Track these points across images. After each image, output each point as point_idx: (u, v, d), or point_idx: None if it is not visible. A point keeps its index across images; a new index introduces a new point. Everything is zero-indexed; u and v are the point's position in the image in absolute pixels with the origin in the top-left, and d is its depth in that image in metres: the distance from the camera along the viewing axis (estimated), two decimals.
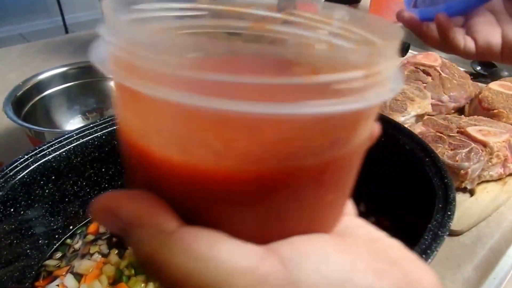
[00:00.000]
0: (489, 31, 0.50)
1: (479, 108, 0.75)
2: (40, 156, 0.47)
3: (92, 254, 0.51)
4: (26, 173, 0.45)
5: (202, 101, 0.13)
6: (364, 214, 0.58)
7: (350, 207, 0.22)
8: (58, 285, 0.46)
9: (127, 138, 0.17)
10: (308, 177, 0.16)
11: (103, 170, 0.55)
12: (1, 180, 0.43)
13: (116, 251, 0.51)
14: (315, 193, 0.17)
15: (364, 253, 0.17)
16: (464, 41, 0.50)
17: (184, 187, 0.16)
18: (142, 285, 0.46)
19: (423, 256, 0.34)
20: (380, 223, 0.56)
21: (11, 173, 0.44)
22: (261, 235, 0.17)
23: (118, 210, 0.16)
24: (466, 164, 0.58)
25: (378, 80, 0.15)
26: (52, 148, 0.49)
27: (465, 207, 0.61)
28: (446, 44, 0.51)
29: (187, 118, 0.15)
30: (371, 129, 0.19)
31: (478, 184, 0.64)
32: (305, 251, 0.16)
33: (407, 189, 0.51)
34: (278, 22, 0.21)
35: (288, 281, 0.15)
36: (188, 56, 0.14)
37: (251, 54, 0.13)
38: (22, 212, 0.45)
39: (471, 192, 0.64)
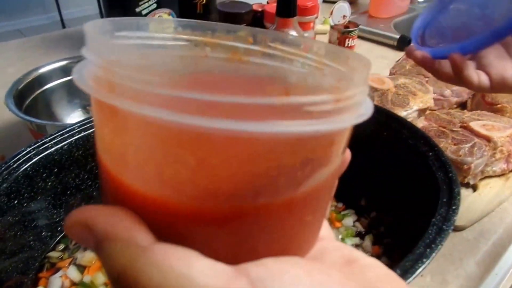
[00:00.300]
0: (502, 65, 0.50)
1: (482, 102, 0.75)
2: (42, 149, 0.47)
3: None
4: (29, 165, 0.45)
5: (174, 116, 0.13)
6: (365, 209, 0.58)
7: (327, 231, 0.22)
8: (61, 276, 0.46)
9: (101, 161, 0.18)
10: (280, 209, 0.17)
11: None
12: (4, 172, 0.43)
13: None
14: (287, 221, 0.18)
15: (336, 274, 0.17)
16: (478, 76, 0.50)
17: (154, 215, 0.16)
18: None
19: (427, 250, 0.34)
20: (381, 219, 0.56)
21: (14, 166, 0.44)
22: (233, 256, 0.17)
23: (93, 223, 0.16)
24: (469, 159, 0.58)
25: (348, 105, 0.16)
26: (54, 141, 0.49)
27: (468, 203, 0.60)
28: (459, 80, 0.51)
29: (162, 133, 0.15)
30: (343, 157, 0.19)
31: (481, 179, 0.64)
32: (276, 273, 0.16)
33: (410, 184, 0.51)
34: (256, 54, 0.22)
35: None
36: (166, 74, 0.14)
37: (227, 73, 0.13)
38: (25, 204, 0.45)
39: (474, 188, 0.64)
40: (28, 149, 0.46)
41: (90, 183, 0.55)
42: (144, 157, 0.16)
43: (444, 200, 0.39)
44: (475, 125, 0.62)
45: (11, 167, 0.44)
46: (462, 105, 0.84)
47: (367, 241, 0.53)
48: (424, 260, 0.33)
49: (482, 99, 0.75)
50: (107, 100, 0.15)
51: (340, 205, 0.59)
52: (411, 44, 0.56)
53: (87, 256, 0.49)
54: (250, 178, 0.15)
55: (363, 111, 0.17)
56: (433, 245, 0.34)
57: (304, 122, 0.14)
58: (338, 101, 0.15)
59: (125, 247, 0.15)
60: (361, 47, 1.15)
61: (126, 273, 0.15)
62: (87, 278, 0.46)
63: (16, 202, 0.43)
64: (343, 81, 0.16)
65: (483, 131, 0.60)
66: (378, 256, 0.52)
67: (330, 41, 1.05)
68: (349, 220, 0.56)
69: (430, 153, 0.47)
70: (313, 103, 0.14)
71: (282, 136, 0.15)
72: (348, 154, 0.20)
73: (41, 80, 0.76)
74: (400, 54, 1.04)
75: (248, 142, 0.15)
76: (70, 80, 0.80)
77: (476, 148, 0.58)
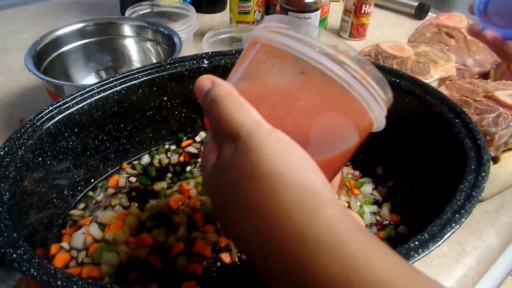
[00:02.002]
0: None
1: (507, 72, 0.73)
2: (64, 108, 0.47)
3: (113, 206, 0.51)
4: (52, 124, 0.45)
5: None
6: (382, 177, 0.57)
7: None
8: (84, 233, 0.47)
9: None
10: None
11: (122, 125, 0.55)
12: (29, 129, 0.43)
13: (136, 204, 0.52)
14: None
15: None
16: None
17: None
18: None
19: (456, 216, 0.34)
20: (398, 188, 0.56)
21: (38, 123, 0.44)
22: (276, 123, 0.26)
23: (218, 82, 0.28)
24: (493, 129, 0.57)
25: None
26: (75, 100, 0.49)
27: (489, 174, 0.59)
28: None
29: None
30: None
31: (503, 151, 0.62)
32: (290, 142, 0.25)
33: (433, 151, 0.50)
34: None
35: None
36: None
37: None
38: (48, 162, 0.45)
39: (495, 160, 0.63)
40: (51, 108, 0.46)
41: (108, 145, 0.55)
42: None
43: (473, 167, 0.38)
44: (500, 94, 0.60)
45: (35, 125, 0.44)
46: (484, 76, 0.81)
47: (385, 209, 0.53)
48: (454, 225, 0.33)
49: (508, 69, 0.73)
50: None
51: (357, 173, 0.58)
52: (471, 23, 0.53)
53: (108, 215, 0.49)
54: None
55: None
56: (462, 211, 0.34)
57: None
58: None
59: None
60: (376, 15, 1.11)
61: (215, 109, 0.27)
62: (108, 236, 0.46)
63: (40, 159, 0.44)
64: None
65: (509, 100, 0.58)
66: (396, 224, 0.52)
67: (346, 8, 1.02)
68: (368, 188, 0.55)
69: (457, 120, 0.46)
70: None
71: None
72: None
73: (58, 42, 0.75)
74: (417, 23, 1.01)
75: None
76: (86, 43, 0.79)
77: (501, 118, 0.57)
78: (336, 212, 0.23)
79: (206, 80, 0.28)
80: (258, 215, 0.23)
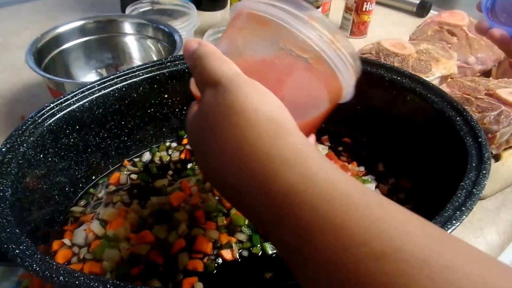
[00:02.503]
0: None
1: (509, 70, 0.73)
2: (65, 105, 0.47)
3: (115, 203, 0.52)
4: (53, 121, 0.45)
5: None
6: (383, 174, 0.57)
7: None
8: (85, 230, 0.47)
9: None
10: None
11: (123, 123, 0.55)
12: (31, 126, 0.43)
13: (138, 201, 0.52)
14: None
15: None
16: None
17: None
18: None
19: (457, 213, 0.34)
20: (400, 185, 0.56)
21: (39, 120, 0.44)
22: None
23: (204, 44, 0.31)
24: (495, 127, 0.57)
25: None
26: (76, 98, 0.49)
27: (490, 172, 0.59)
28: None
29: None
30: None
31: (505, 149, 0.62)
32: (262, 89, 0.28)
33: (433, 149, 0.50)
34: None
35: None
36: None
37: None
38: (50, 159, 0.45)
39: (496, 158, 0.63)
40: (52, 105, 0.46)
41: (109, 142, 0.55)
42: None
43: (474, 164, 0.38)
44: (502, 92, 0.60)
45: (37, 122, 0.44)
46: (486, 74, 0.81)
47: None
48: (454, 222, 0.33)
49: (510, 67, 0.73)
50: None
51: (362, 169, 0.58)
52: (478, 21, 0.52)
53: (109, 212, 0.49)
54: None
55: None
56: (463, 208, 0.34)
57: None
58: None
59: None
60: (377, 13, 1.11)
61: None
62: (110, 232, 0.46)
63: (41, 156, 0.44)
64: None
65: (511, 98, 0.58)
66: None
67: (347, 5, 1.01)
68: (371, 186, 0.55)
69: (458, 118, 0.46)
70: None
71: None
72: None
73: (58, 40, 0.75)
74: (419, 21, 1.01)
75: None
76: (87, 41, 0.79)
77: (503, 116, 0.57)
78: (300, 140, 0.26)
79: (193, 42, 0.31)
80: (234, 145, 0.26)
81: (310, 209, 0.22)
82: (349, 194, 0.23)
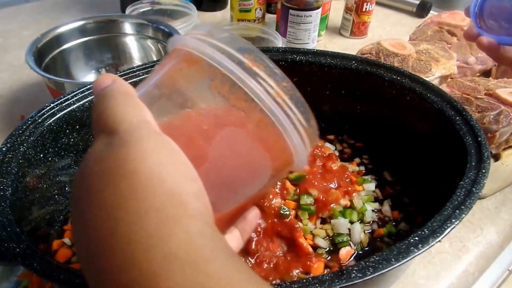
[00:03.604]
0: None
1: (509, 70, 0.73)
2: (65, 105, 0.47)
3: None
4: (53, 120, 0.45)
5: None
6: (389, 183, 0.57)
7: None
8: None
9: None
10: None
11: None
12: (31, 126, 0.43)
13: None
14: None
15: None
16: None
17: None
18: None
19: (456, 211, 0.34)
20: (406, 192, 0.55)
21: (39, 120, 0.44)
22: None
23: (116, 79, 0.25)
24: (495, 127, 0.57)
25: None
26: (76, 97, 0.49)
27: (490, 172, 0.59)
28: None
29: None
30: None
31: (505, 149, 0.62)
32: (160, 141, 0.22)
33: (434, 148, 0.50)
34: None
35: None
36: None
37: None
38: (50, 159, 0.45)
39: (496, 157, 0.63)
40: (52, 105, 0.46)
41: None
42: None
43: (473, 163, 0.39)
44: (502, 92, 0.60)
45: (37, 121, 0.44)
46: (486, 74, 0.81)
47: (386, 206, 0.53)
48: (454, 220, 0.33)
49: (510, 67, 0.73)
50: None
51: (362, 168, 0.58)
52: (468, 27, 0.53)
53: None
54: None
55: None
56: (462, 207, 0.34)
57: None
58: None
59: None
60: (377, 13, 1.11)
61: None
62: None
63: (42, 155, 0.44)
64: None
65: (511, 98, 0.58)
66: (397, 221, 0.52)
67: (347, 6, 1.01)
68: (372, 186, 0.55)
69: (458, 118, 0.46)
70: None
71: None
72: None
73: (59, 40, 0.75)
74: (419, 21, 1.01)
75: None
76: (87, 41, 0.79)
77: (502, 116, 0.57)
78: (202, 228, 0.19)
79: (107, 78, 0.25)
80: (106, 220, 0.19)
81: None
82: None
